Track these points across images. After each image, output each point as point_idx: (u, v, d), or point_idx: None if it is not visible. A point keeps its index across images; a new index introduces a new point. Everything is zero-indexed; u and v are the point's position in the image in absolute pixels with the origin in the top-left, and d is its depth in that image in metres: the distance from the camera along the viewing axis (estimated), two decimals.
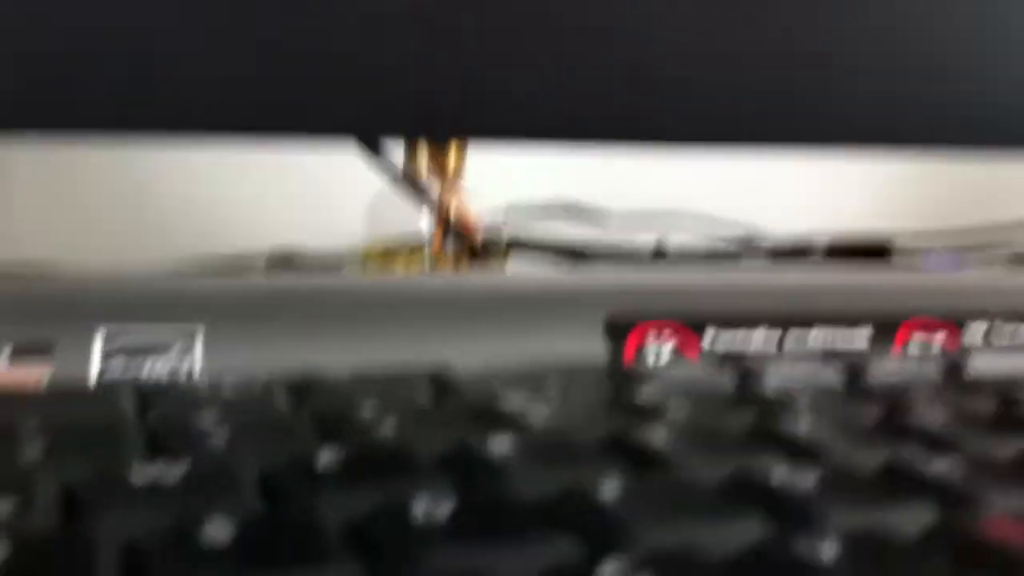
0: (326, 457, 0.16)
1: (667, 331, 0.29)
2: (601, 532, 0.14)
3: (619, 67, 0.30)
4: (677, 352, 0.28)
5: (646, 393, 0.20)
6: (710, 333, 0.29)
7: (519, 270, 0.48)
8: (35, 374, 0.25)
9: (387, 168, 0.39)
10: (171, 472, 0.15)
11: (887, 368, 0.24)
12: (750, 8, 0.30)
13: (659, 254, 0.49)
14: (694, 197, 0.56)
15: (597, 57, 0.30)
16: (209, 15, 0.27)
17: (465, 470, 0.16)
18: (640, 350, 0.28)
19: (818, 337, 0.29)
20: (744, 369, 0.23)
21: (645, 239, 0.52)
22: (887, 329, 0.30)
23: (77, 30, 0.26)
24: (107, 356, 0.26)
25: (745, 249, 0.48)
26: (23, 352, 0.26)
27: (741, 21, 0.30)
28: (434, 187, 0.49)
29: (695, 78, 0.31)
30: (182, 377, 0.25)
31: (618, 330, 0.29)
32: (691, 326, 0.29)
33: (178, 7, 0.26)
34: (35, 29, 0.25)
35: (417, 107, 0.30)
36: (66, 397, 0.19)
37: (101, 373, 0.26)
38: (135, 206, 0.59)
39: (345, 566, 0.13)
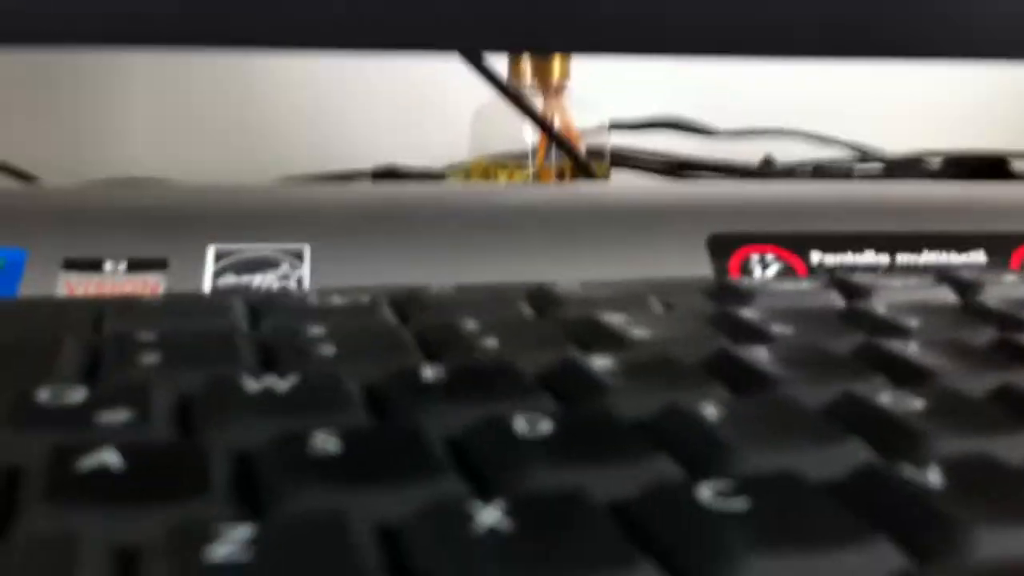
0: (429, 372, 0.16)
1: (773, 248, 0.28)
2: (701, 452, 0.14)
3: None
4: (783, 269, 0.28)
5: (750, 311, 0.20)
6: (817, 251, 0.28)
7: (622, 184, 0.47)
8: (151, 285, 0.26)
9: (491, 80, 0.39)
10: (281, 384, 0.15)
11: (1002, 288, 0.23)
12: None
13: (766, 170, 0.48)
14: (804, 114, 0.54)
15: None
16: None
17: (566, 387, 0.16)
18: (745, 267, 0.28)
19: (931, 256, 0.28)
20: (852, 287, 0.22)
21: (752, 155, 0.51)
22: (1003, 247, 0.29)
23: None
24: (218, 272, 0.27)
25: (856, 166, 0.47)
26: (139, 265, 0.27)
27: None
28: (538, 99, 0.49)
29: None
30: (290, 292, 0.25)
31: (722, 246, 0.28)
32: (798, 243, 0.28)
33: None
34: None
35: (519, 19, 0.29)
36: (181, 309, 0.19)
37: (213, 288, 0.26)
38: (245, 120, 0.60)
39: (448, 480, 0.13)
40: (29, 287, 0.26)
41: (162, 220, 0.28)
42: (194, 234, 0.28)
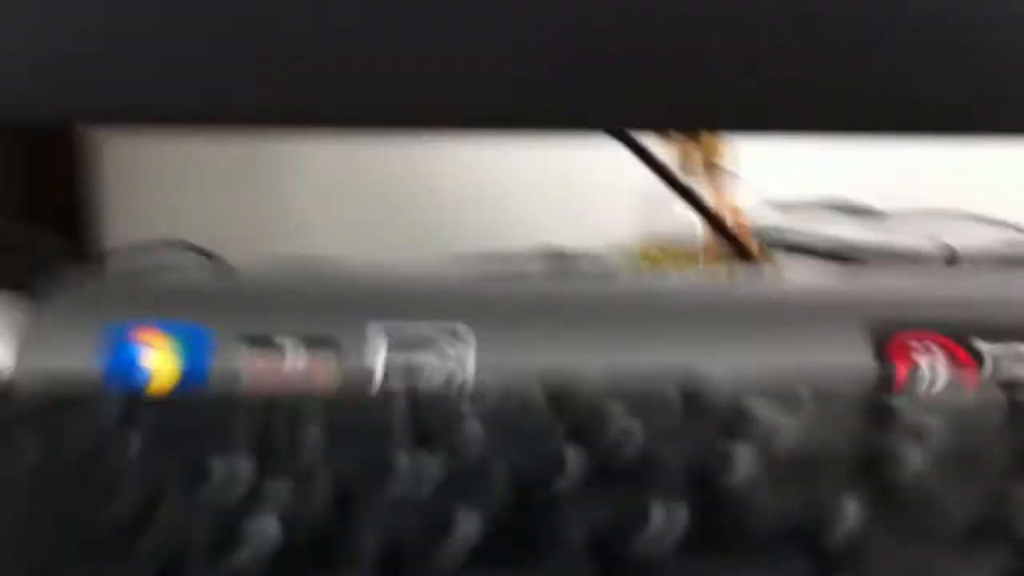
0: (574, 462, 0.17)
1: (943, 351, 0.28)
2: (836, 559, 0.14)
3: (905, 51, 0.29)
4: (952, 375, 0.27)
5: (905, 416, 0.20)
6: (991, 355, 0.27)
7: (789, 273, 0.47)
8: (324, 367, 0.28)
9: (650, 164, 0.39)
10: (432, 468, 0.16)
11: None
12: None
13: (950, 259, 0.47)
14: (975, 198, 0.52)
15: (878, 41, 0.29)
16: (470, 16, 0.28)
17: (705, 483, 0.16)
18: (911, 370, 0.27)
19: None
20: (1021, 396, 0.21)
21: (925, 242, 0.50)
22: None
23: (356, 28, 0.28)
24: (389, 353, 0.28)
25: None
26: (311, 345, 0.28)
27: None
28: (705, 184, 0.49)
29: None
30: (454, 377, 0.26)
31: (888, 346, 0.28)
32: (971, 346, 0.27)
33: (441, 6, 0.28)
34: (318, 28, 0.27)
35: (684, 100, 0.30)
36: (348, 393, 0.20)
37: (383, 369, 0.28)
38: (413, 204, 0.63)
39: (582, 572, 0.13)
40: (216, 364, 0.28)
41: (332, 299, 0.30)
42: (361, 314, 0.29)
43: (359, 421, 0.18)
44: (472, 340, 0.28)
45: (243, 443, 0.17)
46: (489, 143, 0.61)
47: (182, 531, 0.14)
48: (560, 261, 0.51)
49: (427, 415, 0.19)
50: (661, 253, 0.48)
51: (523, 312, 0.29)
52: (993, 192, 0.56)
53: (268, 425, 0.18)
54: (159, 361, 0.28)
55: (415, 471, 0.16)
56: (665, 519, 0.14)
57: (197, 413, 0.19)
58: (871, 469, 0.17)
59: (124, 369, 0.28)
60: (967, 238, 0.50)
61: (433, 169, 0.63)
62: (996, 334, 0.28)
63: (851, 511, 0.15)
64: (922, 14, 0.28)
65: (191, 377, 0.26)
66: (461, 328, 0.29)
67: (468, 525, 0.14)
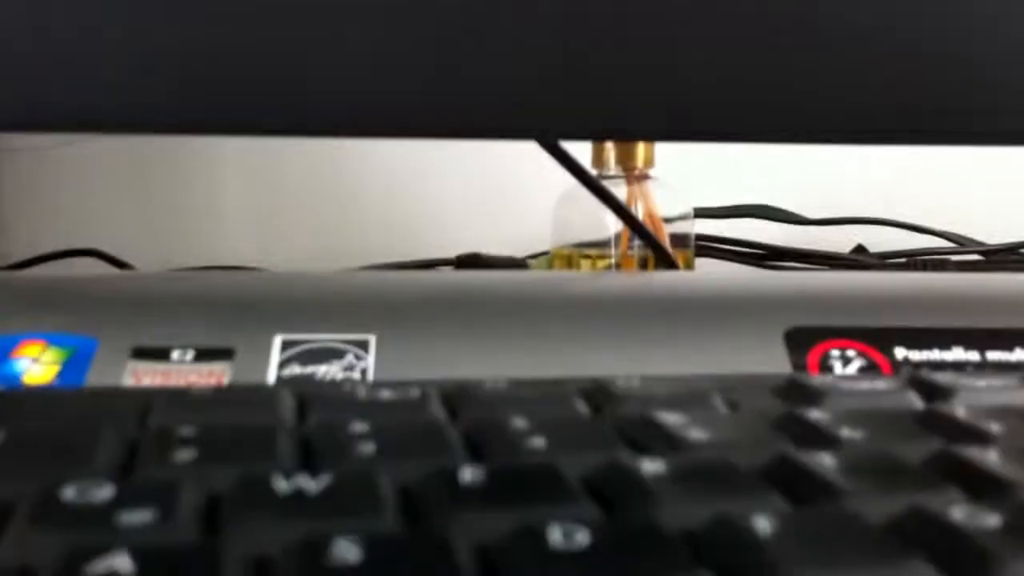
0: (469, 474, 0.15)
1: (855, 343, 0.27)
2: (751, 568, 0.13)
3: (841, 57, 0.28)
4: (865, 366, 0.27)
5: (818, 413, 0.19)
6: (902, 347, 0.27)
7: (702, 273, 0.47)
8: (216, 375, 0.26)
9: (571, 168, 0.39)
10: (313, 484, 0.15)
11: None
12: None
13: (858, 259, 0.47)
14: (898, 204, 0.53)
15: (804, 47, 0.28)
16: (391, 19, 0.27)
17: (611, 492, 0.15)
18: (824, 363, 0.27)
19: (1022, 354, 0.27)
20: (932, 387, 0.21)
21: (844, 245, 0.50)
22: None
23: (270, 30, 0.26)
24: (283, 363, 0.27)
25: (952, 257, 0.45)
26: (206, 355, 0.27)
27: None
28: (622, 186, 0.49)
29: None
30: (342, 385, 0.25)
31: (801, 341, 0.27)
32: (881, 338, 0.27)
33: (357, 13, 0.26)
34: (243, 36, 0.26)
35: (599, 105, 0.29)
36: (228, 401, 0.19)
37: (277, 379, 0.26)
38: (333, 209, 0.61)
39: None
40: (97, 376, 0.26)
41: (230, 309, 0.28)
42: (261, 323, 0.28)
43: (237, 431, 0.17)
44: (373, 350, 0.27)
45: (103, 461, 0.16)
46: (408, 148, 0.60)
47: (25, 570, 0.13)
48: (477, 267, 0.50)
49: (313, 427, 0.18)
50: (577, 256, 0.47)
51: (430, 319, 0.28)
52: (911, 197, 0.56)
53: (134, 438, 0.17)
54: (38, 373, 0.26)
55: (295, 487, 0.15)
56: (564, 535, 0.13)
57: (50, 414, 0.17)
58: (783, 481, 0.16)
59: (1, 380, 0.26)
60: (886, 243, 0.50)
61: (351, 175, 0.62)
62: (915, 340, 0.28)
63: (762, 525, 0.14)
64: (857, 18, 0.27)
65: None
66: (363, 338, 0.27)
67: (344, 551, 0.13)
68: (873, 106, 0.29)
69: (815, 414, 0.19)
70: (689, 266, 0.47)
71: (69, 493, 0.14)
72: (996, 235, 0.50)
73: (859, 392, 0.21)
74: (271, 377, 0.26)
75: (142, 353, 0.27)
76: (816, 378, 0.21)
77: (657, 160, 0.48)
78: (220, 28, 0.25)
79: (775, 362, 0.27)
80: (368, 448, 0.17)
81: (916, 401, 0.20)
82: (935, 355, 0.27)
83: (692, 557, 0.13)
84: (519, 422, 0.18)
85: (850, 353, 0.27)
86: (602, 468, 0.16)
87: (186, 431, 0.17)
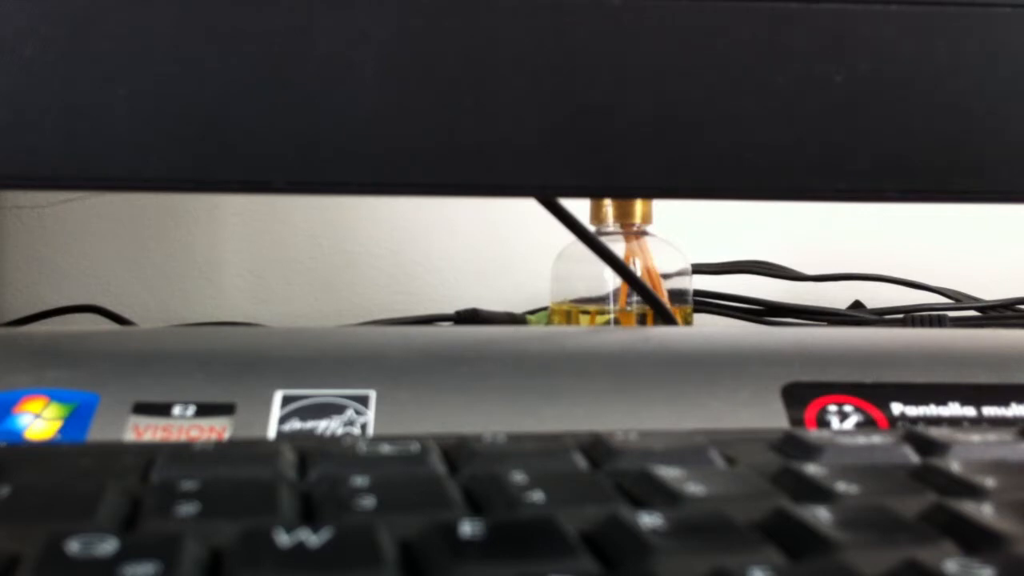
0: (468, 528, 0.16)
1: (851, 398, 0.27)
2: None
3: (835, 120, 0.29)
4: (860, 423, 0.27)
5: (814, 468, 0.19)
6: (898, 402, 0.27)
7: (699, 329, 0.47)
8: (217, 431, 0.27)
9: (568, 224, 0.39)
10: (314, 539, 0.15)
11: None
12: None
13: (855, 315, 0.47)
14: (895, 262, 0.53)
15: (798, 108, 0.29)
16: (392, 85, 0.27)
17: (609, 547, 0.16)
18: (821, 419, 0.27)
19: (1020, 409, 0.27)
20: (927, 443, 0.21)
21: (841, 302, 0.50)
22: None
23: (278, 100, 0.27)
24: (284, 418, 0.27)
25: (949, 313, 0.45)
26: (207, 410, 0.27)
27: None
28: (621, 242, 0.49)
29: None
30: (342, 440, 0.25)
31: (798, 396, 0.27)
32: (877, 393, 0.27)
33: (360, 65, 0.27)
34: (245, 96, 0.26)
35: (600, 163, 0.29)
36: (231, 456, 0.19)
37: (277, 434, 0.26)
38: (332, 267, 0.62)
39: None
40: (99, 431, 0.26)
41: (231, 364, 0.28)
42: (262, 379, 0.28)
43: (239, 485, 0.17)
44: (373, 405, 0.27)
45: (107, 515, 0.16)
46: (406, 205, 0.60)
47: None
48: (476, 323, 0.50)
49: (314, 481, 0.18)
50: (576, 312, 0.48)
51: (430, 374, 0.28)
52: (908, 254, 0.57)
53: (137, 492, 0.17)
54: (40, 428, 0.26)
55: (296, 541, 0.15)
56: None
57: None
58: (780, 535, 0.16)
59: (3, 435, 0.26)
60: (883, 299, 0.50)
61: (350, 233, 0.62)
62: (912, 396, 0.28)
63: (758, 573, 0.14)
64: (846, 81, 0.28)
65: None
66: (364, 393, 0.28)
67: None
68: (868, 164, 0.29)
69: (812, 468, 0.19)
70: (687, 322, 0.47)
71: (74, 546, 0.14)
72: (992, 291, 0.50)
73: (855, 447, 0.21)
74: (272, 432, 0.27)
75: (143, 408, 0.27)
76: (813, 433, 0.21)
77: (655, 216, 0.48)
78: (222, 87, 0.26)
79: (773, 417, 0.27)
80: (369, 502, 0.17)
81: (912, 456, 0.21)
82: (931, 410, 0.27)
83: None
84: (518, 476, 0.18)
85: (847, 408, 0.27)
86: (601, 522, 0.16)
87: (188, 485, 0.17)
